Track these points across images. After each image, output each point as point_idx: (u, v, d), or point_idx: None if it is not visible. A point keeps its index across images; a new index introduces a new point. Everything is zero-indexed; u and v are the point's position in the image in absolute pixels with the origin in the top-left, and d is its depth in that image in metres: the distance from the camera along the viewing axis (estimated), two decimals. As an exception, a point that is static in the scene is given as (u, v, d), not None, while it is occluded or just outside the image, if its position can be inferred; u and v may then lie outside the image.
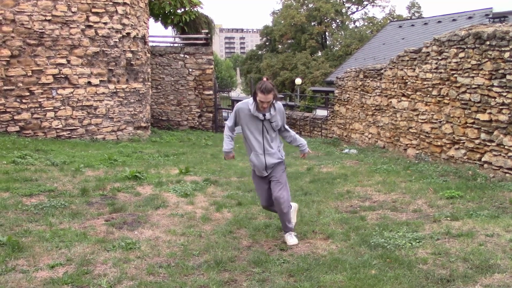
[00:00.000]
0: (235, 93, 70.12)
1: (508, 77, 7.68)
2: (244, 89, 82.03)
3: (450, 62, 9.13)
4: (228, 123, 5.31)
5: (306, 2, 57.90)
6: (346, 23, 60.78)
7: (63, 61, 13.19)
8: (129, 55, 14.87)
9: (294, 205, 5.55)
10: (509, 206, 6.29)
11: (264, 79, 5.06)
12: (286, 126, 5.33)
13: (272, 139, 5.19)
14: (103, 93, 14.10)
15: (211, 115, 21.91)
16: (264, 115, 5.04)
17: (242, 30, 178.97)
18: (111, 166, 9.43)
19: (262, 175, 5.25)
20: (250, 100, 5.12)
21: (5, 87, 12.53)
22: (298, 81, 39.87)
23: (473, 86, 8.47)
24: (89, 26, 13.61)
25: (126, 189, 7.59)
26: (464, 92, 8.76)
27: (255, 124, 5.10)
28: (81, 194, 7.12)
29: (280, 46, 62.17)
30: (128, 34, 14.78)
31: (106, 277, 4.24)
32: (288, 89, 51.52)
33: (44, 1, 12.77)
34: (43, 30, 12.82)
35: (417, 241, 5.07)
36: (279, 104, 5.18)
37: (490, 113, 8.10)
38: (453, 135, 9.15)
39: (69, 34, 13.24)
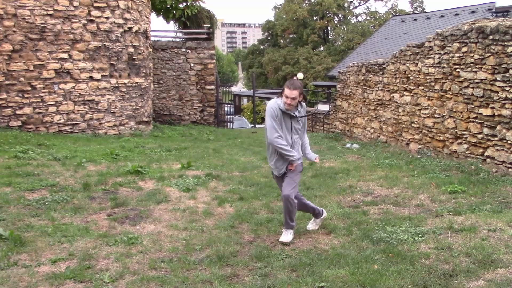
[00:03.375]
0: (237, 87, 70.06)
1: (511, 71, 7.64)
2: (246, 83, 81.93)
3: (453, 57, 9.09)
4: (276, 131, 4.98)
5: (308, -4, 57.81)
6: (349, 17, 60.63)
7: (65, 55, 13.17)
8: (131, 49, 14.84)
9: (324, 213, 5.64)
10: (512, 201, 6.28)
11: (295, 78, 5.14)
12: (305, 132, 5.34)
13: (298, 138, 5.19)
14: (105, 87, 14.09)
15: (213, 109, 21.88)
16: (294, 112, 5.04)
17: (244, 24, 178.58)
18: (113, 161, 9.43)
19: (280, 175, 5.22)
20: (277, 99, 5.08)
21: (7, 82, 12.52)
22: (300, 75, 39.37)
23: (476, 80, 8.44)
24: (91, 21, 13.57)
25: (128, 183, 7.59)
26: (467, 87, 8.72)
27: (285, 123, 5.06)
28: (83, 188, 7.12)
29: (282, 41, 62.05)
30: (130, 28, 14.74)
31: (108, 272, 4.25)
32: (290, 83, 51.33)
33: (45, -4, 12.74)
34: (45, 25, 12.79)
35: (420, 236, 5.06)
36: (305, 107, 5.23)
37: (493, 108, 8.07)
38: (456, 130, 9.12)
39: (71, 29, 13.21)
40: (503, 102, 7.81)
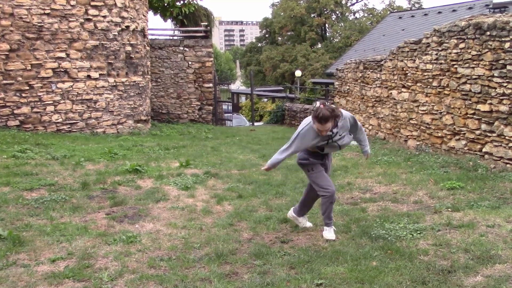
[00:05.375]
0: (235, 85, 70.02)
1: (508, 67, 7.65)
2: (244, 81, 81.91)
3: (450, 53, 9.09)
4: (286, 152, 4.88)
5: (305, -7, 57.74)
6: (346, 14, 60.59)
7: (62, 54, 13.14)
8: (129, 48, 14.82)
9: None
10: (510, 197, 6.29)
11: (318, 104, 4.61)
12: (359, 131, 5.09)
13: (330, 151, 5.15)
14: (103, 86, 14.07)
15: (211, 108, 21.86)
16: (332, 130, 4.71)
17: (241, 22, 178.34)
18: (112, 160, 9.42)
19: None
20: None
21: (5, 81, 12.49)
22: (298, 73, 39.75)
23: (474, 76, 8.44)
24: (88, 20, 13.54)
25: (127, 182, 7.59)
26: (464, 83, 8.73)
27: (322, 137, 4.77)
28: (82, 187, 7.12)
29: (279, 38, 62.02)
30: (127, 27, 14.71)
31: (107, 271, 4.25)
32: (288, 81, 51.47)
33: (42, -5, 12.71)
34: (42, 24, 12.76)
35: (418, 232, 5.07)
36: (344, 117, 4.76)
37: (490, 104, 8.08)
38: (454, 126, 9.13)
39: (68, 28, 13.18)
40: (501, 98, 7.82)
